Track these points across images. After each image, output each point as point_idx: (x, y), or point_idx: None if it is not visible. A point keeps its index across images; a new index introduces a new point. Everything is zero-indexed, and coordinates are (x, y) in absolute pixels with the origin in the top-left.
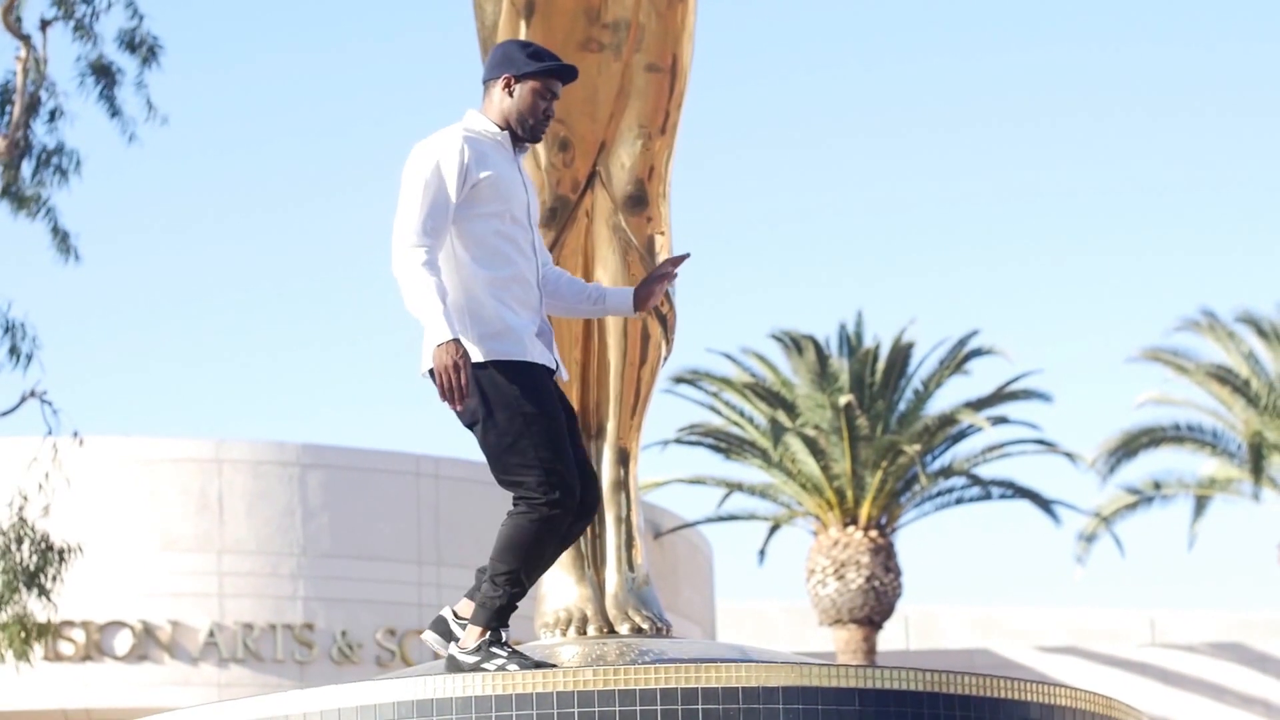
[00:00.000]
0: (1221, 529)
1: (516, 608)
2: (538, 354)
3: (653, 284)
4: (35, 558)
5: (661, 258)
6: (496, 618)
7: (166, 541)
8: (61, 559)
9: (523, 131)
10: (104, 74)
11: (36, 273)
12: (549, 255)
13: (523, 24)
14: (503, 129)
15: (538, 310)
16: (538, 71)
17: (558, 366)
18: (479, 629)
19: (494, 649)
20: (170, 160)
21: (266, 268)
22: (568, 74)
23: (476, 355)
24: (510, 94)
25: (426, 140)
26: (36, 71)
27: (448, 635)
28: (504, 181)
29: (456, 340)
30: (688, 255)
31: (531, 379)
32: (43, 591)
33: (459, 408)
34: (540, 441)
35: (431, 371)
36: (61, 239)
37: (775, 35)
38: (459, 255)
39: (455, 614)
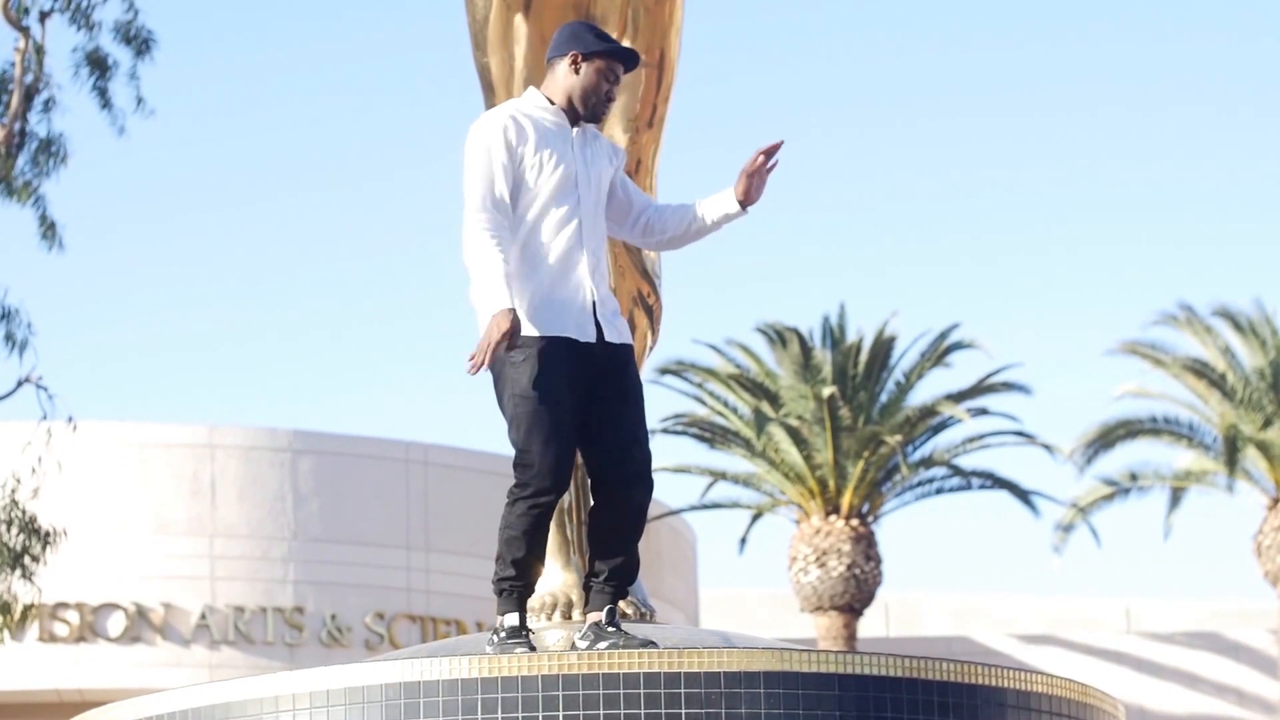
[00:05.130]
0: (1197, 520)
1: (519, 591)
2: (559, 326)
3: (753, 177)
4: (21, 539)
5: (647, 250)
6: (502, 603)
7: (159, 525)
8: (47, 541)
9: (584, 109)
10: (98, 65)
11: (33, 261)
12: (646, 201)
13: (513, 18)
14: (561, 106)
15: (579, 285)
16: (604, 52)
17: (600, 334)
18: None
19: (501, 634)
20: (165, 150)
21: (260, 256)
22: (631, 59)
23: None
24: (576, 71)
25: (480, 119)
26: (35, 62)
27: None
28: (548, 156)
29: (509, 309)
30: (781, 142)
31: (538, 359)
32: (25, 573)
33: (472, 370)
34: (526, 427)
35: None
36: (48, 228)
37: (762, 29)
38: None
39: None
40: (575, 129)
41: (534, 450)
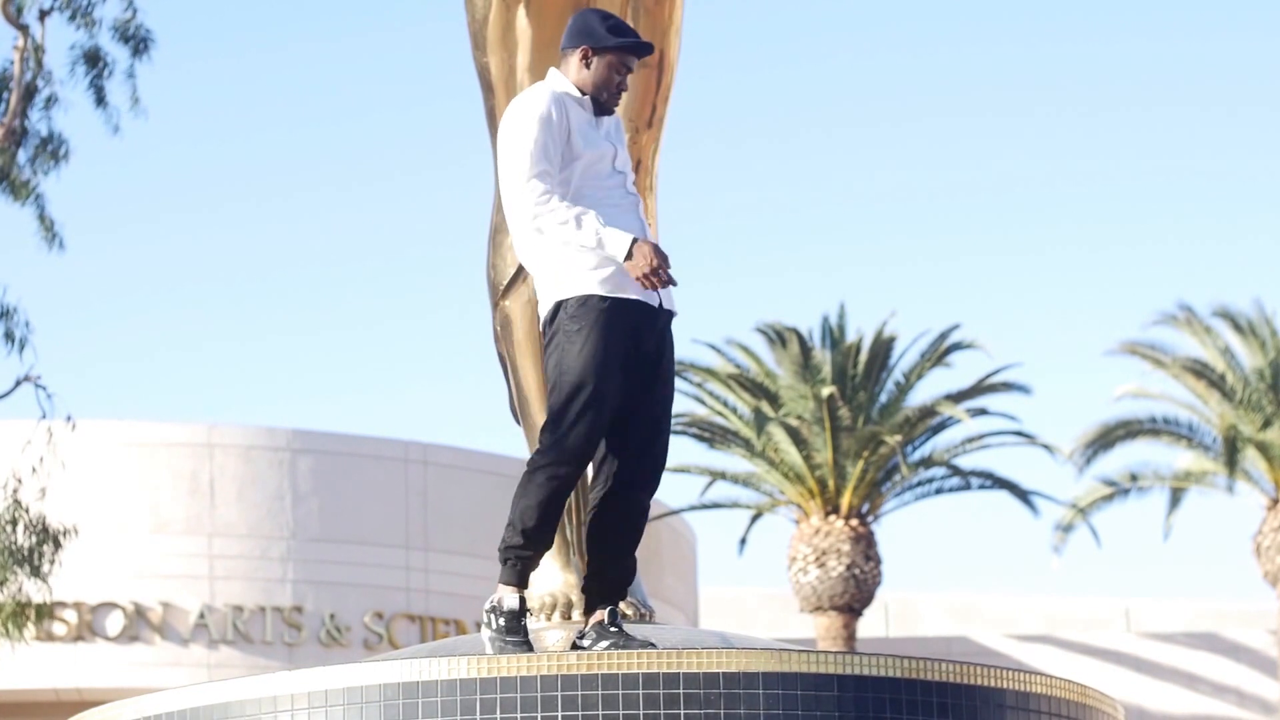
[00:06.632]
0: (1196, 521)
1: (523, 563)
2: (625, 289)
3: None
4: (31, 540)
5: None
6: (505, 572)
7: (158, 524)
8: (57, 541)
9: (598, 100)
10: (96, 64)
11: (32, 259)
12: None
13: (513, 18)
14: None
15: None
16: (615, 47)
17: (660, 303)
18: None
19: (499, 618)
20: (165, 149)
21: (259, 256)
22: (644, 50)
23: (569, 290)
24: (587, 66)
25: (520, 99)
26: (35, 60)
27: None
28: (586, 140)
29: (635, 240)
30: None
31: (596, 329)
32: (37, 573)
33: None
34: (566, 397)
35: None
36: (48, 227)
37: (761, 28)
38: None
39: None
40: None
41: (566, 420)
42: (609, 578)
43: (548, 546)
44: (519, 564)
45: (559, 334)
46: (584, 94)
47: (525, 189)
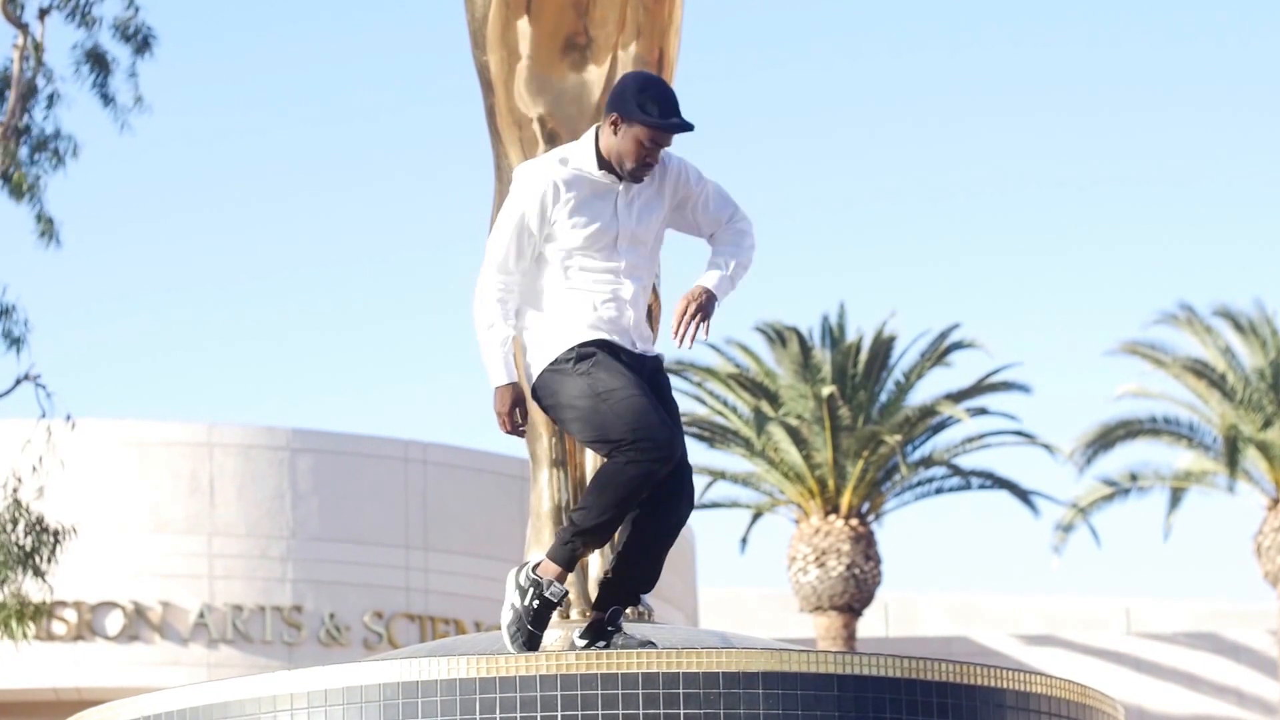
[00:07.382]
0: (1197, 521)
1: (582, 550)
2: (604, 333)
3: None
4: (30, 539)
5: None
6: (555, 549)
7: (158, 523)
8: (56, 540)
9: (620, 171)
10: (99, 63)
11: (32, 258)
12: (714, 226)
13: (512, 17)
14: (602, 165)
15: (614, 327)
16: (641, 122)
17: (638, 348)
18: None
19: (532, 601)
20: (165, 148)
21: (260, 255)
22: (674, 129)
23: (567, 343)
24: (615, 133)
25: (528, 166)
26: (35, 59)
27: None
28: (581, 220)
29: (509, 384)
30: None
31: (607, 355)
32: (37, 572)
33: (518, 435)
34: (627, 410)
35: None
36: (46, 225)
37: (761, 29)
38: (530, 274)
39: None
40: (623, 185)
41: (641, 425)
42: (626, 587)
43: (603, 544)
44: (577, 550)
45: (567, 378)
46: (604, 162)
47: (481, 276)
